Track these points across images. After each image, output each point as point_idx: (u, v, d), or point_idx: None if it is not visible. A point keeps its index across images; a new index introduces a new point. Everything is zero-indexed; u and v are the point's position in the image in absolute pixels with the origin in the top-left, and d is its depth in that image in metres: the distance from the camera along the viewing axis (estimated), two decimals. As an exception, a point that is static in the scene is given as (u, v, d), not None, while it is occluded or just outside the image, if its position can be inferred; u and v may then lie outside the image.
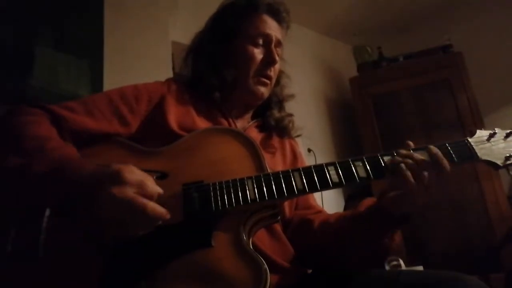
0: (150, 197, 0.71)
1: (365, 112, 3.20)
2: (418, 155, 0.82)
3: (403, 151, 0.84)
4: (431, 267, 2.40)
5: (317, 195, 1.18)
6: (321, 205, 1.16)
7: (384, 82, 3.21)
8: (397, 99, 3.16)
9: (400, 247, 2.66)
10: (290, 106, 1.25)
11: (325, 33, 3.82)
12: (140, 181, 0.71)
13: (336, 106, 3.61)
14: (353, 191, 3.14)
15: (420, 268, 2.36)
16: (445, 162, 0.82)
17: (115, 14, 2.17)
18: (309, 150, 2.92)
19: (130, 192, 0.69)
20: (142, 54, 2.19)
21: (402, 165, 0.81)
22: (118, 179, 0.69)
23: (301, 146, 1.27)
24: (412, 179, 0.80)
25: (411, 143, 0.87)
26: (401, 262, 2.26)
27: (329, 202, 2.84)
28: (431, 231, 2.74)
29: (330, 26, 3.69)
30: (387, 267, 2.23)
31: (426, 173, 0.81)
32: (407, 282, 0.79)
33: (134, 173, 0.72)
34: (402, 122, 3.08)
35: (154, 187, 0.73)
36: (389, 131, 3.09)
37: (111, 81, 2.00)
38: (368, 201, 0.94)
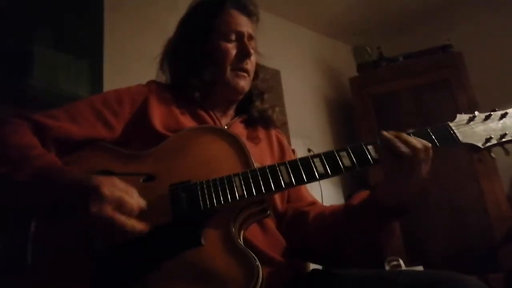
0: (129, 213, 0.72)
1: (365, 112, 3.20)
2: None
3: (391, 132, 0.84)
4: (431, 267, 2.40)
5: (317, 195, 1.18)
6: (309, 195, 1.15)
7: (383, 82, 3.21)
8: (396, 99, 3.16)
9: (400, 247, 2.67)
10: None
11: (325, 33, 3.82)
12: (119, 197, 0.71)
13: (336, 106, 3.62)
14: (353, 191, 3.14)
15: (420, 268, 2.36)
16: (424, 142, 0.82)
17: (115, 14, 2.17)
18: (309, 150, 2.92)
19: (108, 210, 0.69)
20: (142, 54, 2.18)
21: (395, 139, 0.81)
22: (97, 195, 0.70)
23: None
24: (405, 149, 0.80)
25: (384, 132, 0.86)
26: (401, 262, 2.27)
27: (329, 202, 2.84)
28: (430, 231, 2.74)
29: (330, 26, 3.69)
30: (387, 267, 2.23)
31: (418, 144, 0.80)
32: (406, 282, 0.79)
33: (114, 188, 0.72)
34: (402, 122, 3.07)
35: (133, 201, 0.73)
36: (389, 131, 3.08)
37: (110, 81, 2.01)
38: (362, 194, 0.94)
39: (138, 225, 0.72)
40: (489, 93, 3.07)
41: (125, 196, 0.72)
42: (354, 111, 3.30)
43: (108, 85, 2.00)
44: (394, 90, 3.18)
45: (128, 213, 0.71)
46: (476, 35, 3.38)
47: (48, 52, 1.91)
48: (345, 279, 0.89)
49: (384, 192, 0.87)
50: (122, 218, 0.70)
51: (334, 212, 0.99)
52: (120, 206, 0.71)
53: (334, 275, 0.92)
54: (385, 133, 0.83)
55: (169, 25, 2.35)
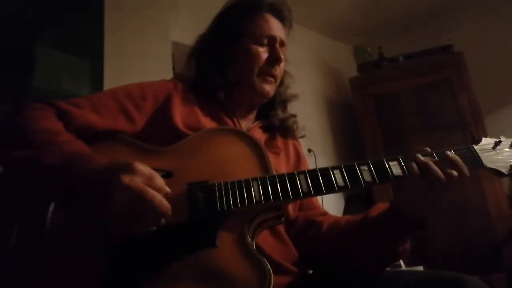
0: (158, 190, 0.72)
1: (366, 112, 3.20)
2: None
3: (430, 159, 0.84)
4: (431, 267, 2.40)
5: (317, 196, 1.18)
6: (321, 205, 1.16)
7: (384, 82, 3.21)
8: (397, 99, 3.16)
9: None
10: (290, 106, 1.25)
11: (326, 33, 3.82)
12: (150, 173, 0.72)
13: (336, 106, 3.61)
14: (353, 193, 3.13)
15: (420, 268, 2.36)
16: (465, 168, 0.83)
17: (115, 14, 2.17)
18: (309, 150, 2.92)
19: (139, 181, 0.69)
20: (142, 54, 2.19)
21: (433, 166, 0.81)
22: (129, 168, 0.70)
23: (302, 146, 1.27)
24: (443, 177, 0.80)
25: (428, 149, 0.87)
26: (401, 262, 2.26)
27: (329, 203, 2.84)
28: (431, 231, 2.73)
29: (330, 26, 3.69)
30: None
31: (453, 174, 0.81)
32: (407, 283, 0.79)
33: (145, 166, 0.73)
34: (403, 122, 3.07)
35: (162, 182, 0.74)
36: (390, 131, 3.08)
37: (111, 81, 2.00)
38: (381, 206, 0.94)
39: (165, 202, 0.71)
40: (490, 93, 3.07)
41: (155, 174, 0.73)
42: (355, 112, 3.30)
43: (109, 84, 1.99)
44: (394, 90, 3.17)
45: (157, 190, 0.71)
46: (477, 35, 3.38)
47: (49, 52, 1.91)
48: (347, 280, 0.89)
49: (407, 205, 0.86)
50: (152, 191, 0.70)
51: (349, 222, 0.98)
52: (150, 180, 0.71)
53: (336, 276, 0.92)
54: (420, 157, 0.83)
55: (169, 25, 2.36)
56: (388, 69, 3.26)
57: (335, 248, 0.97)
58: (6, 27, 1.81)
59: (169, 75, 2.12)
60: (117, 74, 2.05)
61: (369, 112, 3.19)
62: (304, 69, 3.43)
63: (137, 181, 0.69)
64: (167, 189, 0.74)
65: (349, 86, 3.36)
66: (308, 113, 3.26)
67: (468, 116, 2.91)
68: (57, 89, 1.89)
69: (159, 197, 0.70)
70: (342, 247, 0.96)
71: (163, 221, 0.72)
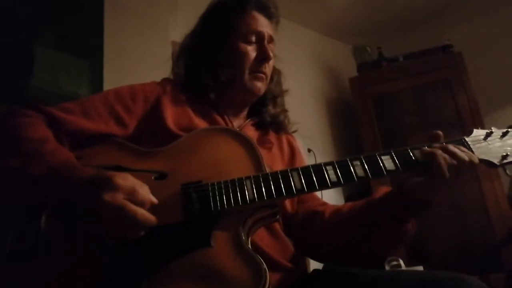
0: (141, 204, 0.72)
1: (365, 112, 3.20)
2: (452, 147, 0.82)
3: (436, 145, 0.84)
4: (431, 267, 2.40)
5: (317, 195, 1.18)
6: (319, 197, 1.16)
7: (384, 82, 3.21)
8: (397, 99, 3.16)
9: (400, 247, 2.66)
10: (290, 106, 1.25)
11: (325, 33, 3.82)
12: (131, 187, 0.72)
13: (336, 106, 3.61)
14: (353, 191, 3.13)
15: (420, 268, 2.36)
16: (472, 156, 0.82)
17: (115, 14, 2.17)
18: (309, 150, 2.92)
19: (121, 198, 0.70)
20: (142, 54, 2.19)
21: (438, 156, 0.81)
22: (110, 185, 0.70)
23: (301, 146, 1.27)
24: (446, 170, 0.80)
25: (440, 133, 0.88)
26: (401, 262, 2.26)
27: (329, 202, 2.84)
28: (431, 231, 2.74)
29: (330, 26, 3.69)
30: (387, 267, 2.23)
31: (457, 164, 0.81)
32: (407, 283, 0.79)
33: (127, 180, 0.73)
34: (402, 122, 3.08)
35: (146, 194, 0.74)
36: (389, 131, 3.09)
37: (111, 81, 2.00)
38: (384, 189, 0.93)
39: (149, 215, 0.72)
40: (489, 93, 3.08)
41: (137, 187, 0.73)
42: (354, 111, 3.30)
43: (108, 85, 1.99)
44: (394, 90, 3.17)
45: (140, 204, 0.72)
46: (476, 35, 3.38)
47: (48, 52, 1.91)
48: (347, 280, 0.89)
49: (413, 186, 0.85)
50: (133, 206, 0.70)
51: (352, 207, 0.99)
52: (132, 195, 0.71)
53: (335, 275, 0.92)
54: (427, 149, 0.83)
55: (169, 25, 2.36)
56: (388, 69, 3.26)
57: (340, 235, 0.97)
58: (6, 27, 1.80)
59: (169, 75, 2.12)
60: (116, 74, 2.05)
61: (368, 111, 3.19)
62: (304, 69, 3.43)
63: (118, 198, 0.69)
64: (153, 199, 0.75)
65: (348, 86, 3.36)
66: (308, 113, 3.26)
67: (468, 116, 2.91)
68: (56, 89, 1.89)
69: (141, 212, 0.71)
70: (348, 233, 0.96)
71: (147, 229, 0.72)
